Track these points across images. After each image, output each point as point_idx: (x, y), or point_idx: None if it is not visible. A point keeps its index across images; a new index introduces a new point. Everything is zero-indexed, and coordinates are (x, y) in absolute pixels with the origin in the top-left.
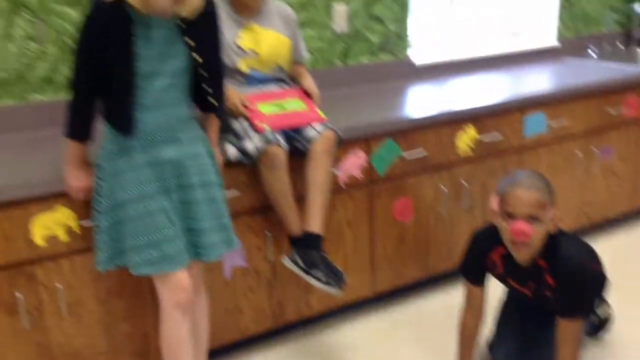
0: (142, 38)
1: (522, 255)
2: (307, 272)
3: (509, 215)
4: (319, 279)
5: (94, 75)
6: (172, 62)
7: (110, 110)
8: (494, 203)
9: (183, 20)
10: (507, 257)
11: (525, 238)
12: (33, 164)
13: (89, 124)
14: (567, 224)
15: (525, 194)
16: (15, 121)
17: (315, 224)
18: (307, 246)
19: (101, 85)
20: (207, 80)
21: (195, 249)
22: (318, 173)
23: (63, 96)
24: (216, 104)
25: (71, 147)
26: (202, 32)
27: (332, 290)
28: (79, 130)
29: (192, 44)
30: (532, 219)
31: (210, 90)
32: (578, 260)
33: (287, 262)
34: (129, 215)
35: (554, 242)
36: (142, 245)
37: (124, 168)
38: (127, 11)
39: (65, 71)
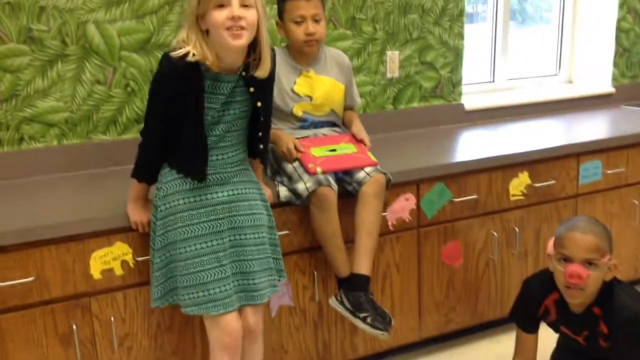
0: (210, 92)
1: (576, 301)
2: (354, 314)
3: (565, 259)
4: (365, 321)
5: (164, 125)
6: (232, 110)
7: (182, 159)
8: (549, 246)
9: (247, 67)
10: (561, 304)
11: (580, 282)
12: (94, 201)
13: (155, 170)
14: (623, 274)
15: (582, 238)
16: (79, 159)
17: (363, 266)
18: (354, 287)
19: (171, 135)
20: (261, 127)
21: (246, 293)
22: (367, 215)
23: (125, 136)
24: (264, 149)
25: (135, 186)
26: (263, 82)
27: (378, 333)
28: (144, 174)
29: (254, 94)
30: (588, 263)
31: (261, 136)
32: (634, 310)
33: (333, 303)
34: (179, 255)
35: (609, 290)
36: (190, 285)
37: (177, 208)
38: (199, 68)
39: (128, 113)
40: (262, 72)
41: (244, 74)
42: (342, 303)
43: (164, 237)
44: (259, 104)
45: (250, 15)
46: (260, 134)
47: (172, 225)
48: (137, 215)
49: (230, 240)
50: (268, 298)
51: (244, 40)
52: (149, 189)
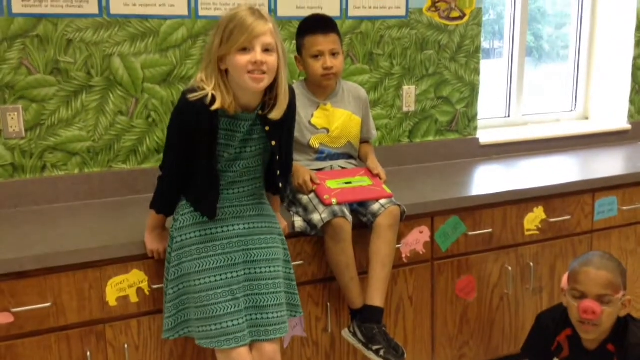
0: (226, 129)
1: (590, 337)
2: (367, 346)
3: (579, 294)
4: (378, 354)
5: (181, 161)
6: (250, 148)
7: (195, 195)
8: (564, 281)
9: (263, 107)
10: (574, 340)
11: (593, 317)
12: (112, 228)
13: (172, 202)
14: (637, 311)
15: (596, 273)
16: (100, 188)
17: (376, 298)
18: (367, 319)
19: (188, 171)
20: (278, 166)
21: (259, 328)
22: (382, 246)
23: (144, 166)
24: (284, 187)
25: (153, 217)
26: (280, 122)
27: None
28: (162, 206)
29: (270, 132)
30: (602, 299)
31: (279, 175)
32: None
33: (346, 335)
34: (193, 286)
35: (624, 327)
36: (203, 318)
37: (193, 240)
38: (216, 110)
39: (149, 143)
40: (276, 114)
41: (260, 112)
42: (354, 335)
43: (178, 268)
44: (274, 142)
45: (272, 60)
46: (279, 172)
47: (186, 257)
48: (154, 244)
49: (244, 274)
50: (282, 335)
51: (265, 83)
52: (166, 220)
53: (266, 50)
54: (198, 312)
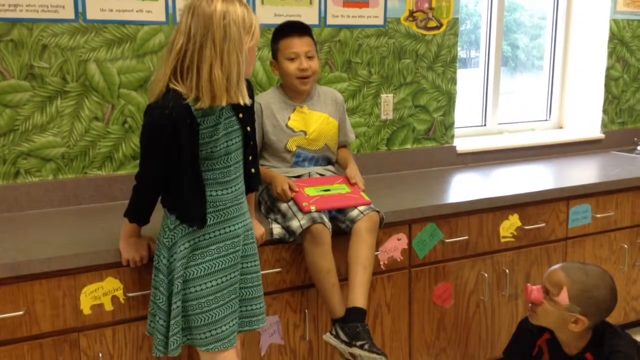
0: (208, 126)
1: (532, 320)
2: (350, 344)
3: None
4: (363, 348)
5: (162, 173)
6: (233, 138)
7: (181, 206)
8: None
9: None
10: (553, 344)
11: (528, 297)
12: (87, 236)
13: (149, 213)
14: (613, 318)
15: (554, 270)
16: (74, 194)
17: (359, 299)
18: (351, 320)
19: (168, 178)
20: (250, 152)
21: (243, 319)
22: (361, 250)
23: (120, 172)
24: (257, 173)
25: (127, 226)
26: (247, 107)
27: (378, 358)
28: (138, 216)
29: (244, 119)
30: (546, 292)
31: (251, 160)
32: (626, 355)
33: (327, 338)
34: (199, 291)
35: (601, 336)
36: (212, 322)
37: (198, 244)
38: (191, 110)
39: (125, 149)
40: (245, 97)
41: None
42: (337, 336)
43: (183, 275)
44: (249, 128)
45: None
46: (251, 157)
47: (194, 261)
48: (130, 252)
49: (242, 269)
50: (262, 325)
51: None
52: (139, 229)
53: None
54: (205, 317)
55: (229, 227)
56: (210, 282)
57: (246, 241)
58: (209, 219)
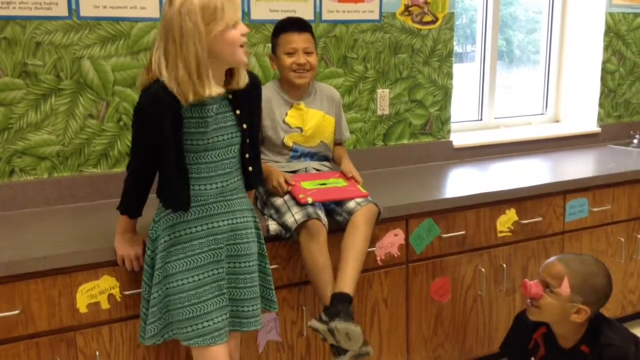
0: (196, 117)
1: (532, 317)
2: (327, 323)
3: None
4: (336, 319)
5: (149, 158)
6: (222, 136)
7: (165, 188)
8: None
9: (232, 92)
10: (549, 337)
11: (525, 292)
12: (83, 234)
13: (141, 204)
14: (610, 312)
15: (552, 262)
16: (69, 192)
17: (347, 285)
18: (334, 304)
19: (156, 166)
20: (248, 150)
21: (234, 319)
22: (356, 239)
23: (116, 170)
24: (255, 171)
25: (122, 220)
26: (247, 104)
27: (350, 326)
28: (131, 208)
29: (241, 116)
30: (546, 285)
31: (248, 158)
32: (621, 347)
33: (312, 323)
34: (180, 286)
35: (597, 328)
36: (193, 317)
37: (182, 239)
38: (177, 99)
39: (120, 147)
40: (241, 82)
41: (230, 96)
42: (319, 319)
43: (163, 269)
44: (245, 126)
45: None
46: (248, 155)
47: (172, 257)
48: (125, 249)
49: (227, 268)
50: (256, 327)
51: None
52: (135, 223)
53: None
54: (186, 312)
55: (212, 223)
56: (192, 277)
57: (236, 240)
58: (190, 214)
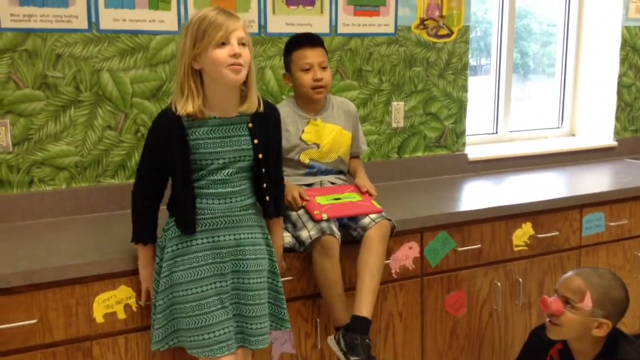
0: (201, 137)
1: (551, 335)
2: (346, 356)
3: (554, 292)
4: (357, 356)
5: (156, 181)
6: (237, 156)
7: (174, 204)
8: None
9: (251, 120)
10: (565, 354)
11: (545, 309)
12: (100, 244)
13: (149, 229)
14: (627, 327)
15: (571, 277)
16: (87, 203)
17: (364, 308)
18: (352, 329)
19: (161, 188)
20: (264, 179)
21: (243, 336)
22: (371, 257)
23: (133, 181)
24: (272, 202)
25: (140, 253)
26: (265, 134)
27: None
28: (140, 235)
29: (256, 142)
30: (566, 302)
31: (265, 187)
32: None
33: (331, 342)
34: (184, 296)
35: (614, 344)
36: (195, 327)
37: (183, 250)
38: (181, 120)
39: (137, 158)
40: (250, 107)
41: (250, 125)
42: (338, 343)
43: (169, 278)
44: (261, 155)
45: (247, 53)
46: (265, 185)
47: (177, 267)
48: (147, 281)
49: (232, 283)
50: (264, 346)
51: (243, 74)
52: (153, 251)
53: (241, 44)
54: (189, 322)
55: (216, 236)
56: (196, 288)
57: (242, 255)
58: (197, 226)
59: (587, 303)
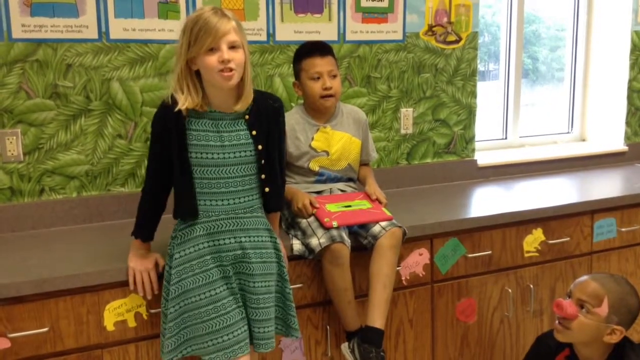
0: (200, 130)
1: (559, 337)
2: None
3: (568, 293)
4: None
5: (160, 174)
6: (236, 151)
7: (177, 203)
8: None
9: (248, 113)
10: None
11: (560, 312)
12: (110, 252)
13: (151, 227)
14: (636, 335)
15: (587, 281)
16: (97, 211)
17: (377, 319)
18: (367, 340)
19: (166, 185)
20: (264, 170)
21: (251, 339)
22: (383, 266)
23: None
24: (272, 192)
25: (134, 242)
26: (265, 126)
27: None
28: (140, 230)
29: (256, 137)
30: (581, 304)
31: (264, 178)
32: None
33: (345, 350)
34: (197, 302)
35: (622, 351)
36: (213, 331)
37: (191, 256)
38: (180, 110)
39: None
40: (241, 106)
41: (247, 117)
42: (352, 352)
43: (179, 285)
44: (260, 147)
45: (238, 56)
46: (264, 176)
47: (187, 273)
48: (135, 261)
49: (238, 284)
50: (267, 350)
51: (235, 80)
52: (148, 246)
53: (232, 47)
54: (206, 327)
55: (218, 240)
56: (209, 291)
57: (247, 258)
58: (198, 230)
59: (604, 308)
